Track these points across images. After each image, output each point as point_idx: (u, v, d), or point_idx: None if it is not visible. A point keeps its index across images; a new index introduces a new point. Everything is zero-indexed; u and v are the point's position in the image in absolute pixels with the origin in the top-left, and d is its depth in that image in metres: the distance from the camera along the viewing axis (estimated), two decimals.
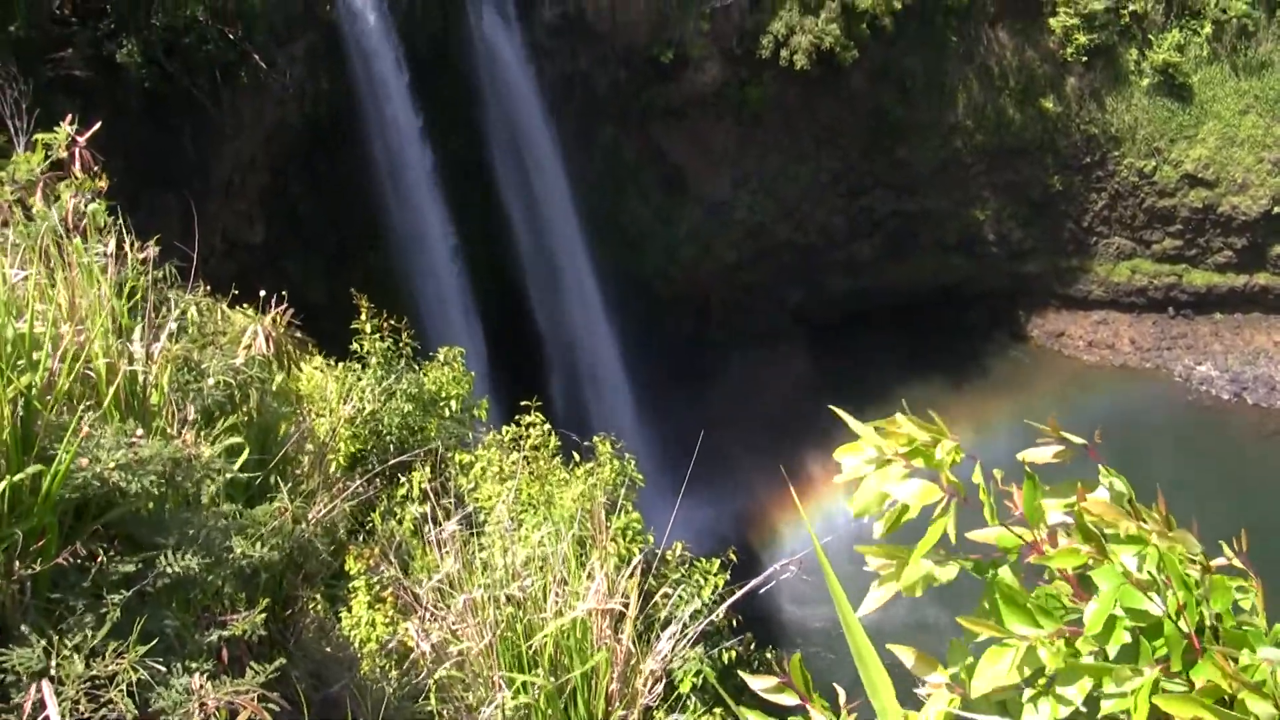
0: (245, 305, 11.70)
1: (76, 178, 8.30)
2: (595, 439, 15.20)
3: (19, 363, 5.26)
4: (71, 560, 4.89)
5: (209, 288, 10.51)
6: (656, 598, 7.01)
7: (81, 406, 5.34)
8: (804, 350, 65.86)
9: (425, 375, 15.36)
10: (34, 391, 5.05)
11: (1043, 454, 3.59)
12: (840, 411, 3.84)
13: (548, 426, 15.25)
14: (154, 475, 5.10)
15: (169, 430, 5.99)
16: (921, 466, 3.48)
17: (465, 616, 6.32)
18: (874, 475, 3.49)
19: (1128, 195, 66.57)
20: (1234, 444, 60.44)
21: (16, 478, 4.69)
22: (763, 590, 7.15)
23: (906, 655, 3.49)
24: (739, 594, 7.71)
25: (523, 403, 15.46)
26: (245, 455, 6.50)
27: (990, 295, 68.41)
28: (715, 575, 12.86)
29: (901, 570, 3.53)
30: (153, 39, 30.48)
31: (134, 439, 5.21)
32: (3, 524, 4.70)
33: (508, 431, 15.30)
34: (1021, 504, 3.42)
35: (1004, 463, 3.64)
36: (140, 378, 6.07)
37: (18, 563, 4.72)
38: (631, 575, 6.48)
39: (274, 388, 7.82)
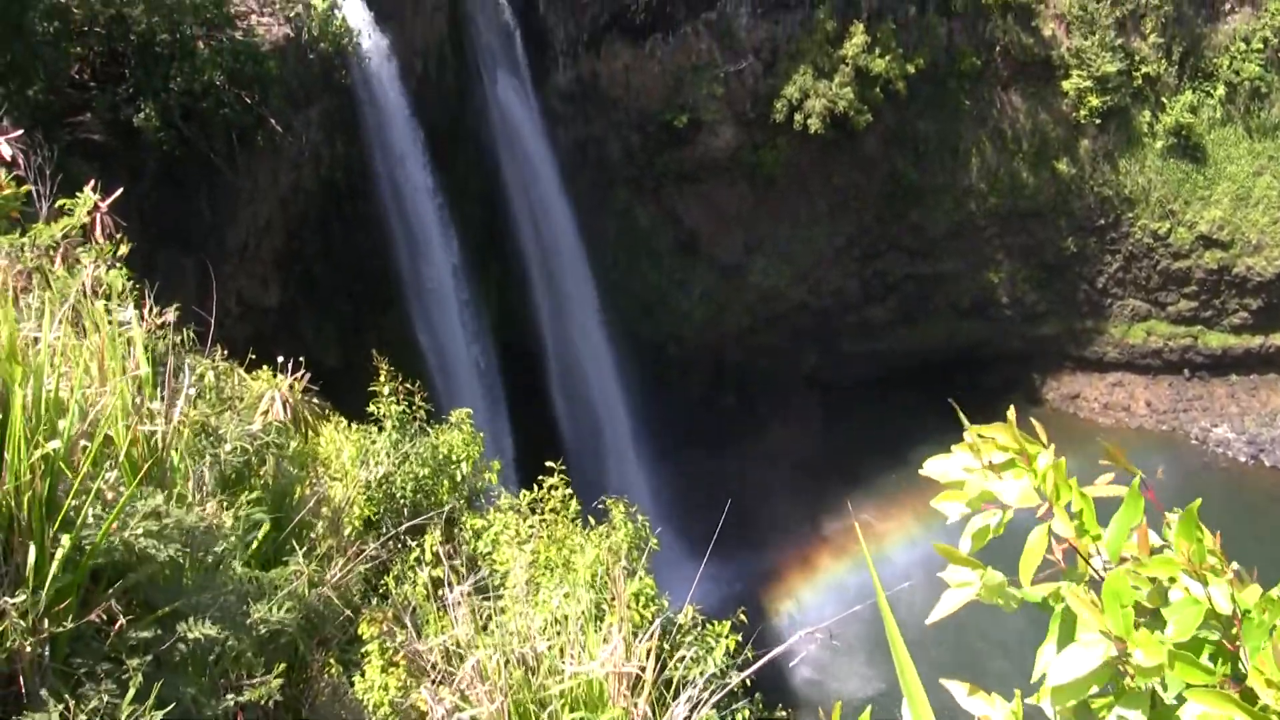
0: (263, 368, 11.76)
1: (98, 243, 8.39)
2: (609, 501, 15.18)
3: (44, 427, 5.29)
4: (93, 624, 4.91)
5: (226, 352, 10.56)
6: (671, 661, 7.00)
7: (104, 471, 5.36)
8: (818, 414, 65.82)
9: (437, 438, 15.38)
10: (59, 455, 5.07)
11: (1105, 490, 3.67)
12: (956, 406, 3.95)
13: (570, 491, 15.21)
14: (176, 542, 5.12)
15: (187, 495, 6.02)
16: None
17: (474, 682, 6.32)
18: (979, 475, 3.59)
19: (1142, 257, 66.62)
20: (1253, 507, 60.04)
21: (62, 556, 4.71)
22: (785, 645, 7.14)
23: (959, 688, 3.56)
24: (760, 661, 7.69)
25: (547, 463, 15.45)
26: (263, 525, 6.52)
27: (1005, 358, 68.34)
28: (726, 637, 12.82)
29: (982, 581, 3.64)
30: (170, 103, 30.72)
31: (157, 505, 5.23)
32: (27, 588, 4.72)
33: (525, 496, 15.28)
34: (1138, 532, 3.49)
35: (1020, 525, 3.69)
36: (160, 442, 6.10)
37: (46, 621, 4.74)
38: (649, 638, 6.47)
39: (290, 452, 7.84)
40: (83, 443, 5.48)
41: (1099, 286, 67.95)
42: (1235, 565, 3.43)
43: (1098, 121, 63.49)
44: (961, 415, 3.87)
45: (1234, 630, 3.26)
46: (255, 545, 6.39)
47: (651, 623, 9.15)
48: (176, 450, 6.28)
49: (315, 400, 9.85)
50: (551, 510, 14.69)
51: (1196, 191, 64.91)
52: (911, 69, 59.90)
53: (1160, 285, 67.41)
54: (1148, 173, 64.76)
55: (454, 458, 15.23)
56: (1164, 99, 64.31)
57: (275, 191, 39.05)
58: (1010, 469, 3.59)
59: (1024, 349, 68.47)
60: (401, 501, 14.01)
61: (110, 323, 7.08)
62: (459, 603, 6.93)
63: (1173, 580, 3.36)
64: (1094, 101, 62.69)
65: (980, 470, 3.61)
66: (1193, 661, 3.16)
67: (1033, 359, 69.10)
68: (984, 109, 63.59)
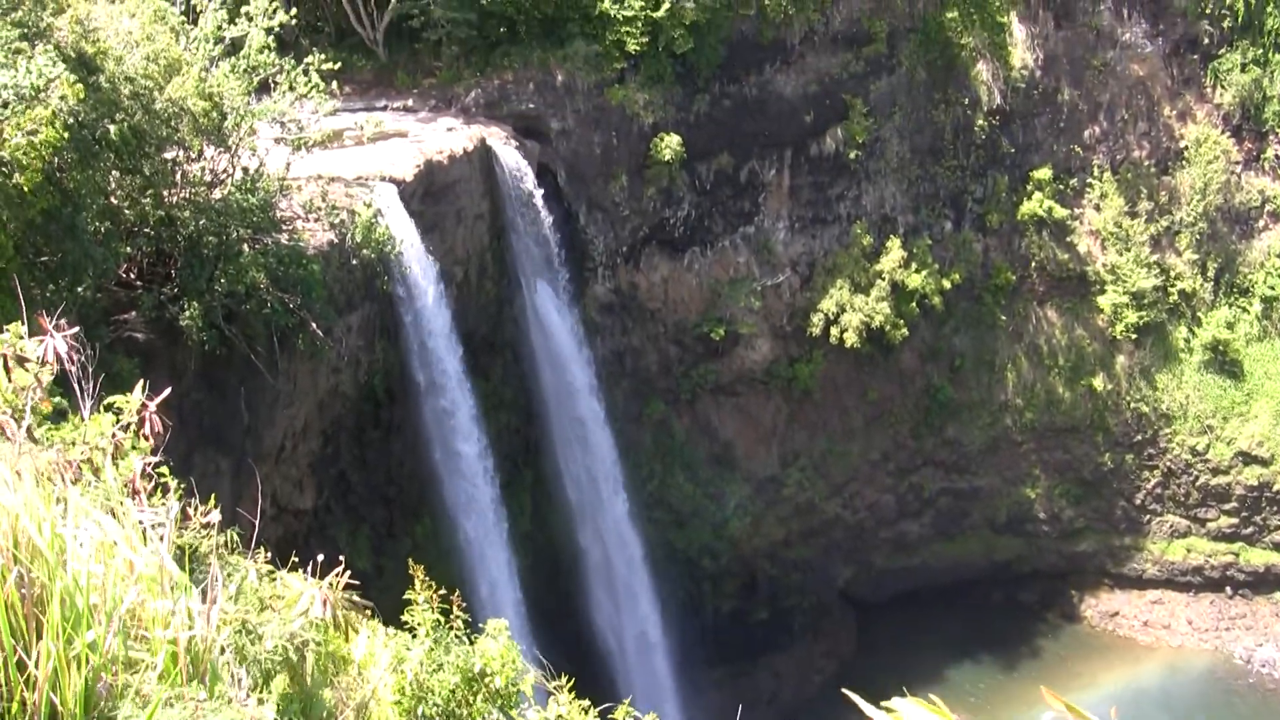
0: (298, 570, 11.69)
1: (147, 439, 8.43)
2: (622, 707, 15.15)
3: (81, 625, 5.22)
4: None
5: (270, 554, 10.53)
6: None
7: (142, 670, 5.28)
8: (852, 629, 65.12)
9: (473, 648, 15.23)
10: (97, 654, 4.99)
11: None
12: (853, 695, 3.96)
13: (586, 704, 15.05)
14: None
15: (226, 692, 5.93)
16: None
17: None
18: None
19: (1181, 473, 66.28)
20: None
21: None
22: None
23: None
24: None
25: (562, 680, 15.33)
26: None
27: (1042, 574, 67.71)
28: None
29: None
30: (214, 304, 31.03)
31: (196, 702, 5.14)
32: None
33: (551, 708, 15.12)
34: None
35: None
36: (199, 641, 6.03)
37: None
38: None
39: (327, 652, 7.77)
40: (116, 642, 5.40)
41: (1137, 503, 67.50)
42: None
43: (1134, 337, 63.82)
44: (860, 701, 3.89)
45: None
46: None
47: None
48: (216, 648, 6.20)
49: (355, 598, 9.79)
50: None
51: (1235, 407, 64.84)
52: (947, 284, 60.55)
53: (1200, 501, 66.94)
54: (1185, 388, 64.83)
55: (489, 670, 15.07)
56: (1200, 314, 64.74)
57: (314, 395, 39.28)
58: None
59: (1062, 565, 67.85)
60: (434, 710, 13.82)
61: (151, 526, 7.06)
62: None
63: None
64: (1130, 317, 63.07)
65: None
66: None
67: (1071, 575, 68.38)
68: (1019, 324, 64.05)
